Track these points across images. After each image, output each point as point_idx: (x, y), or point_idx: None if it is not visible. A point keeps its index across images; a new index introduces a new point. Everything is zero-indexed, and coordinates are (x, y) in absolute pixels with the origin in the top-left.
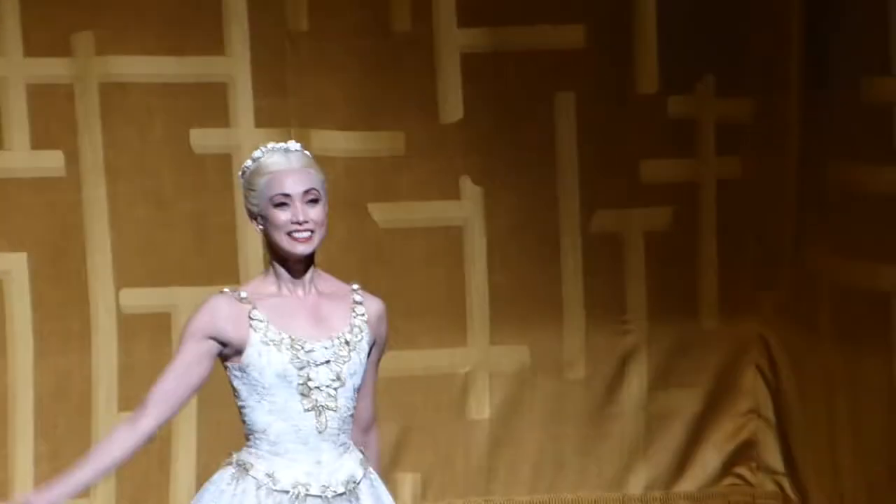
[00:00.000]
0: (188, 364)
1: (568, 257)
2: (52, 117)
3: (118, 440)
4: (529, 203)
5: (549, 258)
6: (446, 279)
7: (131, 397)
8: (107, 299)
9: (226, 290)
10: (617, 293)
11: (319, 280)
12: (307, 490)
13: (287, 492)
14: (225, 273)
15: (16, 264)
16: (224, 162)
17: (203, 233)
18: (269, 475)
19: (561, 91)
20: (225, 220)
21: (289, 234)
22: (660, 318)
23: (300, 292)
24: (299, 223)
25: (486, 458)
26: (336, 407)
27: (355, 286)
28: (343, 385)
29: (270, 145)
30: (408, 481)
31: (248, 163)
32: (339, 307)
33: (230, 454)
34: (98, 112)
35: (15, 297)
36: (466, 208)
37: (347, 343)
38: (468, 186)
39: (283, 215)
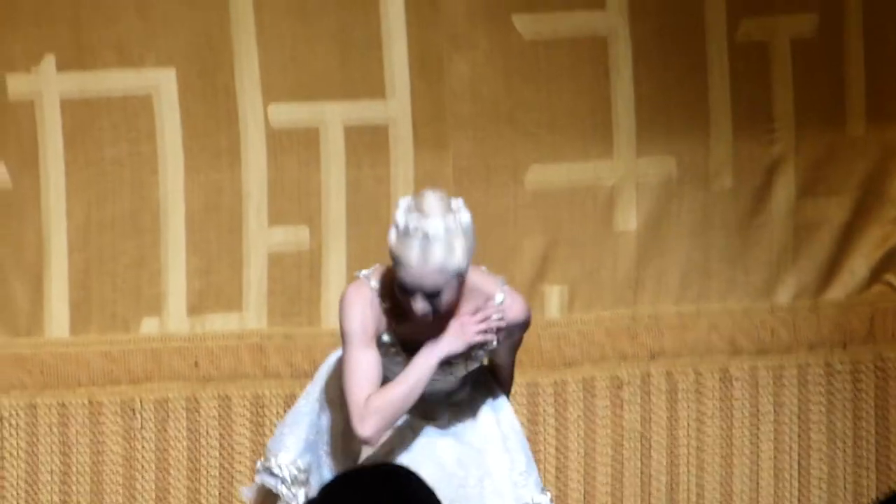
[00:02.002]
0: (374, 362)
1: (714, 66)
2: None
3: None
4: (674, 10)
5: (695, 67)
6: (591, 90)
7: (281, 211)
8: (256, 114)
9: (361, 274)
10: (763, 101)
11: (468, 275)
12: None
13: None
14: (370, 87)
15: (164, 79)
16: None
17: (348, 46)
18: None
19: None
20: (370, 33)
21: (423, 323)
22: (807, 127)
23: None
24: (425, 317)
25: (633, 270)
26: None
27: (502, 284)
28: (466, 370)
29: (413, 219)
30: (555, 293)
31: (393, 229)
32: (478, 306)
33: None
34: None
35: (165, 111)
36: (611, 18)
37: (477, 346)
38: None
39: (409, 301)
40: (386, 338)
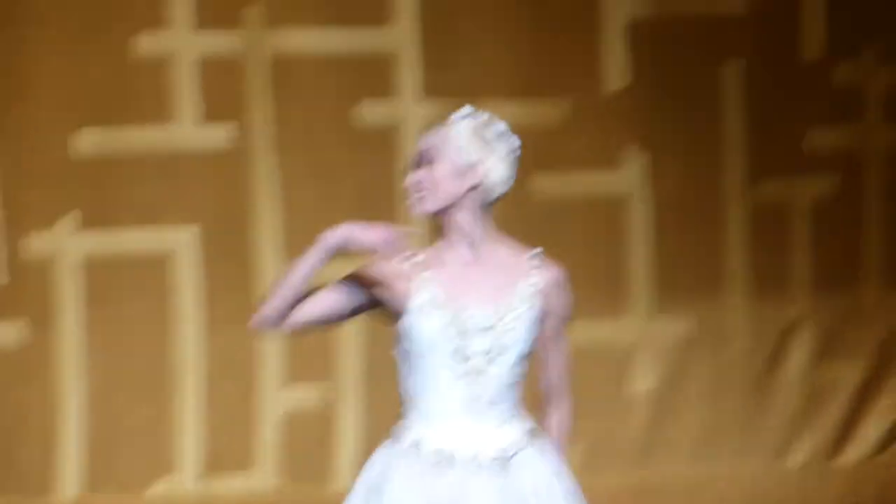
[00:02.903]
0: (342, 285)
1: (732, 227)
2: (221, 91)
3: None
4: (693, 172)
5: (713, 228)
6: (608, 250)
7: (297, 370)
8: (276, 273)
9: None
10: (781, 263)
11: (497, 246)
12: (453, 456)
13: (432, 457)
14: None
15: (185, 238)
16: (390, 134)
17: (368, 206)
18: (415, 442)
19: (726, 59)
20: (389, 192)
21: (411, 197)
22: (824, 289)
23: (472, 257)
24: (413, 187)
25: (648, 430)
26: (491, 376)
27: (537, 251)
28: (502, 354)
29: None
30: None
31: None
32: (512, 272)
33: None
34: (269, 85)
35: (185, 270)
36: (630, 177)
37: (513, 309)
38: (631, 156)
39: (405, 181)
40: (436, 297)
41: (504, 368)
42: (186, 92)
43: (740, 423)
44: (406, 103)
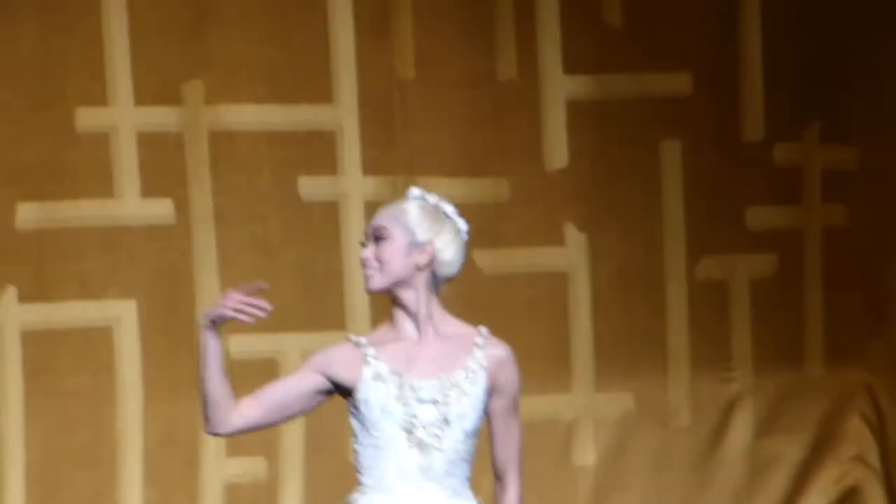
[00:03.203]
0: (297, 384)
1: (673, 304)
2: (161, 166)
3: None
4: (634, 250)
5: (654, 305)
6: (550, 325)
7: (240, 443)
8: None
9: (350, 336)
10: (722, 340)
11: (443, 323)
12: None
13: None
14: (331, 319)
15: (126, 311)
16: (331, 210)
17: (310, 280)
18: None
19: (666, 139)
20: (331, 267)
21: (364, 273)
22: (765, 366)
23: (417, 335)
24: (364, 263)
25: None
26: (441, 448)
27: (483, 330)
28: (449, 426)
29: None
30: None
31: None
32: (457, 350)
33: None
34: (207, 160)
35: (125, 343)
36: (571, 255)
37: (457, 385)
38: (573, 233)
39: (360, 255)
40: (382, 370)
41: (452, 442)
42: (126, 166)
43: (683, 497)
44: (348, 179)
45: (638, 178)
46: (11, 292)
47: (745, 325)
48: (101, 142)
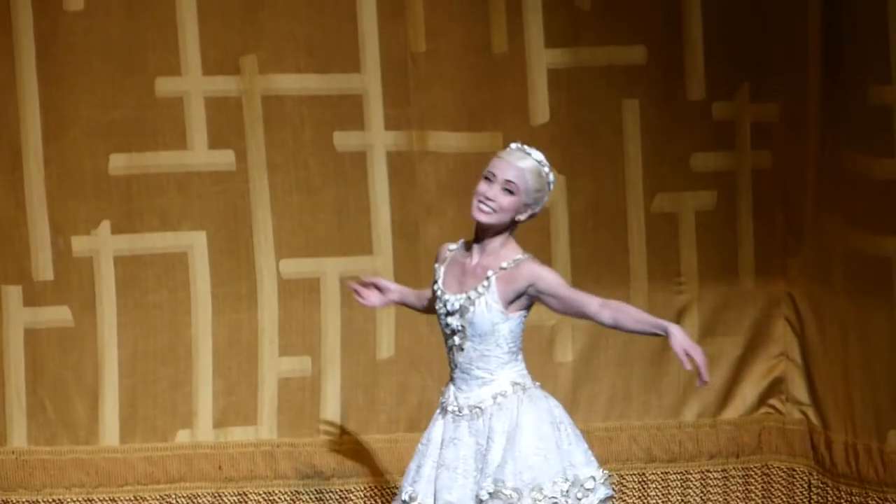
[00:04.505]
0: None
1: (633, 232)
2: (224, 123)
3: None
4: (602, 188)
5: (619, 233)
6: (536, 250)
7: (288, 345)
8: (269, 268)
9: (442, 247)
10: (673, 260)
11: (497, 249)
12: (445, 406)
13: (441, 407)
14: (361, 246)
15: (197, 240)
16: (360, 157)
17: (344, 215)
18: (441, 391)
19: (627, 98)
20: (361, 203)
21: (479, 202)
22: (707, 281)
23: (470, 256)
24: (487, 198)
25: (570, 393)
26: (464, 348)
27: (518, 257)
28: (465, 332)
29: (513, 145)
30: None
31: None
32: (485, 271)
33: None
34: (261, 119)
35: (197, 265)
36: (552, 193)
37: (469, 298)
38: (554, 176)
39: (481, 186)
40: (437, 284)
41: (471, 344)
42: (196, 124)
43: (644, 386)
44: (372, 133)
45: (604, 131)
46: (106, 225)
47: (692, 247)
48: (176, 104)
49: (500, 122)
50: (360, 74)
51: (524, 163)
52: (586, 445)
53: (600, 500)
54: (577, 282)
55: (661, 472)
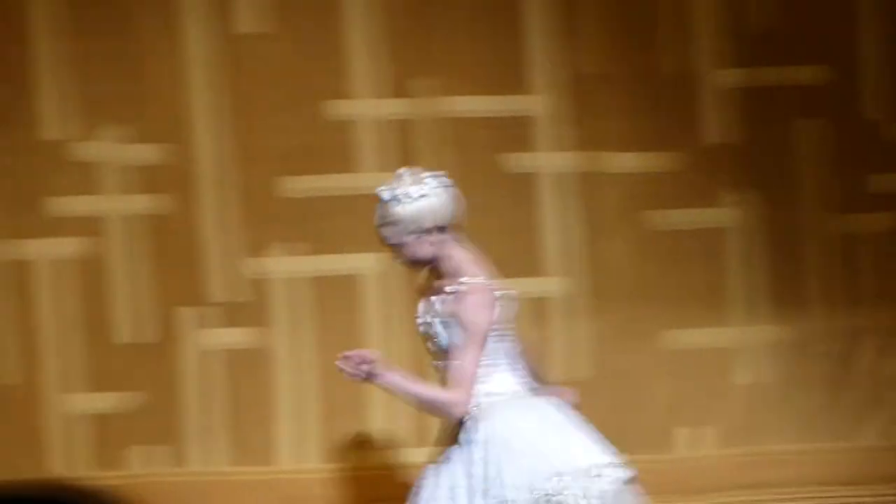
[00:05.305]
0: None
1: (809, 254)
2: (392, 146)
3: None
4: (777, 209)
5: (793, 254)
6: (711, 271)
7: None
8: None
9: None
10: (850, 283)
11: (450, 272)
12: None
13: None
14: (531, 268)
15: (366, 262)
16: (529, 179)
17: (513, 236)
18: None
19: (802, 118)
20: (528, 225)
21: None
22: (886, 303)
23: (435, 281)
24: (395, 259)
25: (746, 416)
26: (434, 357)
27: (465, 280)
28: (430, 343)
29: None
30: (683, 434)
31: None
32: (440, 292)
33: None
34: (431, 142)
35: (368, 288)
36: (725, 214)
37: (430, 313)
38: (727, 196)
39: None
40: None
41: (435, 355)
42: (366, 147)
43: (819, 409)
44: (541, 154)
45: (779, 152)
46: (277, 247)
47: (869, 272)
48: (346, 128)
49: (672, 143)
50: (527, 96)
51: (381, 221)
52: (590, 436)
53: (612, 483)
54: (753, 304)
55: (840, 497)
